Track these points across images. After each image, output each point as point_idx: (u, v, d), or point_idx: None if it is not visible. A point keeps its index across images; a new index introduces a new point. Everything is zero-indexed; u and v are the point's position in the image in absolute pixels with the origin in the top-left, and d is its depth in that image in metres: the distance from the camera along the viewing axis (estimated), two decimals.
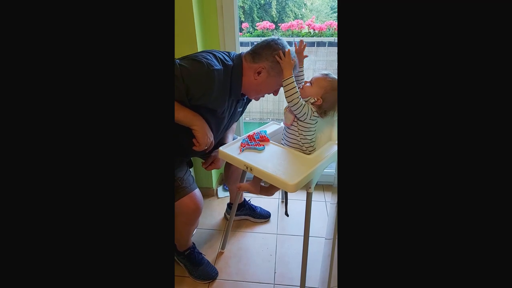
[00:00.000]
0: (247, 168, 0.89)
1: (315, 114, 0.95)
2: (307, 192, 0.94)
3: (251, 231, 1.40)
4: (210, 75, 0.87)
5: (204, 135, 0.93)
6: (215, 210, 1.53)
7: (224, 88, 0.92)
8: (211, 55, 0.92)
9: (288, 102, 0.93)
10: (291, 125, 0.98)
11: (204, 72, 0.86)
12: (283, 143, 1.04)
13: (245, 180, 1.13)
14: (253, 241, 1.34)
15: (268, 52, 0.93)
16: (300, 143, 0.99)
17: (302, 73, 1.03)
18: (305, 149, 0.99)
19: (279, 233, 1.39)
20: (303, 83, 1.00)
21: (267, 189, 1.04)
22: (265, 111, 2.79)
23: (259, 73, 0.94)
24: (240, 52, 1.01)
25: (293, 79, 0.91)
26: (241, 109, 1.12)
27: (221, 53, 0.97)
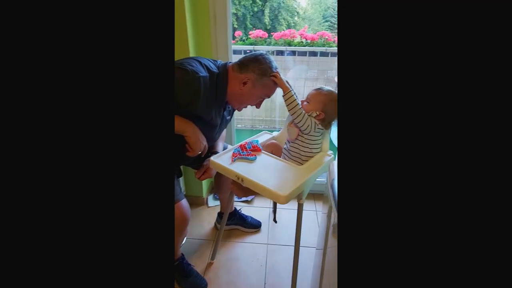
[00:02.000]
0: (238, 178, 0.88)
1: (319, 126, 0.96)
2: (298, 203, 0.94)
3: (242, 241, 1.38)
4: (196, 82, 0.87)
5: (197, 141, 0.92)
6: (205, 219, 1.51)
7: (210, 94, 0.93)
8: (196, 62, 0.92)
9: (291, 115, 0.94)
10: (296, 139, 0.98)
11: (189, 79, 0.86)
12: (283, 156, 1.04)
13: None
14: (243, 251, 1.33)
15: (255, 65, 0.96)
16: (301, 158, 0.99)
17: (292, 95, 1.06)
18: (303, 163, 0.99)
19: (269, 242, 1.37)
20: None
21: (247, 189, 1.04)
22: (257, 118, 2.79)
23: (244, 83, 0.96)
24: (226, 62, 1.02)
25: (292, 93, 0.93)
26: (229, 117, 1.13)
27: (207, 60, 0.98)
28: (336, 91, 0.97)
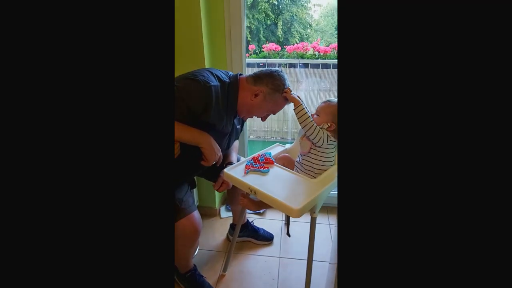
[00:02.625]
0: (251, 191, 0.89)
1: (332, 139, 0.96)
2: (311, 217, 0.93)
3: (254, 254, 1.37)
4: (208, 91, 0.90)
5: (212, 151, 0.94)
6: (217, 230, 1.51)
7: (221, 103, 0.96)
8: (208, 72, 0.96)
9: (302, 128, 0.95)
10: (309, 152, 0.99)
11: (201, 88, 0.89)
12: (296, 170, 1.04)
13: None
14: (255, 264, 1.32)
15: (269, 80, 0.99)
16: (314, 171, 0.99)
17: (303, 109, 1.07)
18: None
19: (282, 256, 1.36)
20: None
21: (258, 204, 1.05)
22: (269, 129, 2.81)
23: (256, 95, 0.99)
24: (237, 73, 1.06)
25: (303, 105, 0.94)
26: (239, 126, 1.15)
27: (218, 71, 1.01)
28: None
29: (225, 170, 0.98)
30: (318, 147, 0.96)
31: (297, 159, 1.05)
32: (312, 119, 0.94)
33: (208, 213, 1.60)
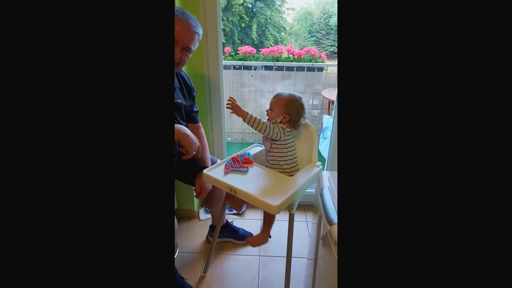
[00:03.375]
0: (231, 190, 0.91)
1: (287, 130, 1.02)
2: (289, 213, 0.96)
3: (234, 254, 1.38)
4: None
5: (192, 141, 0.95)
6: (196, 232, 1.51)
7: None
8: None
9: (259, 132, 0.99)
10: (271, 148, 1.03)
11: None
12: (267, 165, 1.07)
13: (227, 204, 1.14)
14: (236, 263, 1.33)
15: None
16: (280, 163, 1.03)
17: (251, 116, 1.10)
18: (286, 168, 1.03)
19: (261, 254, 1.38)
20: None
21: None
22: (247, 131, 2.83)
23: None
24: None
25: (249, 114, 0.96)
26: (180, 100, 1.10)
27: None
28: (297, 95, 1.05)
29: (204, 171, 0.99)
30: (277, 141, 1.02)
31: (265, 157, 1.09)
32: (262, 122, 0.98)
33: (187, 215, 1.60)
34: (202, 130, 1.24)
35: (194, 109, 1.20)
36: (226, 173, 0.97)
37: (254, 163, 1.04)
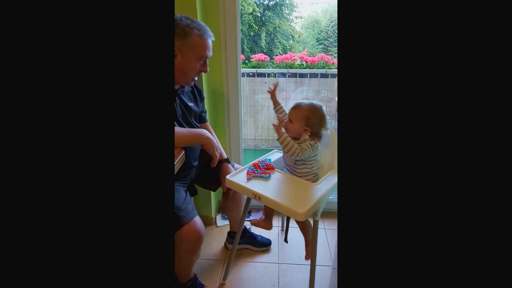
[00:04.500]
0: (255, 196, 0.91)
1: (315, 145, 0.99)
2: (313, 220, 0.96)
3: (252, 261, 1.37)
4: None
5: (214, 145, 0.96)
6: (214, 239, 1.51)
7: None
8: None
9: (291, 156, 0.95)
10: (295, 164, 1.02)
11: None
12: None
13: (247, 210, 1.14)
14: (255, 271, 1.32)
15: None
16: (308, 177, 1.02)
17: (280, 108, 1.10)
18: (308, 178, 1.02)
19: (280, 262, 1.37)
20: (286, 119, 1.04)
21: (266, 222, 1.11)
22: (260, 137, 2.84)
23: (174, 57, 0.91)
24: None
25: (284, 135, 0.93)
26: (191, 103, 1.08)
27: None
28: (317, 105, 1.00)
29: (227, 176, 0.99)
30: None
31: (286, 166, 1.07)
32: (295, 146, 0.93)
33: (205, 222, 1.58)
34: (210, 128, 1.25)
35: (204, 110, 1.22)
36: (249, 179, 0.97)
37: (276, 169, 1.04)
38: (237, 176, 1.00)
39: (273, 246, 1.46)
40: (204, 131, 0.97)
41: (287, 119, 1.03)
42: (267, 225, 1.11)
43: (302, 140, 0.98)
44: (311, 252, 1.05)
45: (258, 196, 0.90)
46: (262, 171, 1.01)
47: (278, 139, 0.95)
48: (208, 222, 1.60)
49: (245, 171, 1.02)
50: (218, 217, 1.65)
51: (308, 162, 1.01)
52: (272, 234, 1.53)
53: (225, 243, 1.46)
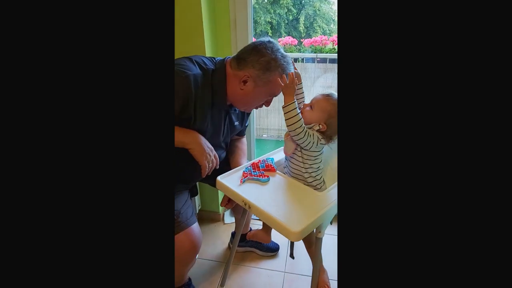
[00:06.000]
0: (245, 204, 0.76)
1: (322, 141, 0.82)
2: (315, 237, 0.79)
3: (256, 266, 1.25)
4: (186, 82, 0.76)
5: (202, 151, 0.81)
6: (219, 237, 1.41)
7: (204, 94, 0.80)
8: (186, 60, 0.82)
9: (290, 131, 0.80)
10: (293, 153, 0.85)
11: (177, 81, 0.75)
12: (285, 171, 0.91)
13: (247, 212, 1.00)
14: (257, 278, 1.19)
15: (254, 58, 0.80)
16: (304, 176, 0.86)
17: (301, 90, 0.91)
18: (311, 182, 0.85)
19: (287, 271, 1.23)
20: (302, 105, 0.87)
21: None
22: (284, 128, 2.67)
23: (244, 82, 0.82)
24: (225, 57, 0.88)
25: (295, 105, 0.78)
26: (237, 122, 0.99)
27: (202, 57, 0.86)
28: None
29: (218, 178, 0.85)
30: (305, 150, 0.83)
31: (286, 161, 0.91)
32: (302, 122, 0.78)
33: (212, 218, 1.50)
34: (244, 139, 1.13)
35: (246, 124, 1.10)
36: (242, 182, 0.83)
37: (277, 171, 0.89)
38: (230, 177, 0.86)
39: (281, 252, 1.32)
40: (193, 132, 0.81)
41: (303, 103, 0.88)
42: (265, 237, 0.97)
43: (310, 126, 0.82)
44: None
45: (248, 205, 0.75)
46: (260, 172, 0.86)
47: (283, 106, 0.78)
48: (215, 218, 1.50)
49: (241, 172, 0.87)
50: (227, 213, 1.54)
51: (305, 156, 0.84)
52: (282, 238, 1.38)
53: (229, 244, 1.35)
